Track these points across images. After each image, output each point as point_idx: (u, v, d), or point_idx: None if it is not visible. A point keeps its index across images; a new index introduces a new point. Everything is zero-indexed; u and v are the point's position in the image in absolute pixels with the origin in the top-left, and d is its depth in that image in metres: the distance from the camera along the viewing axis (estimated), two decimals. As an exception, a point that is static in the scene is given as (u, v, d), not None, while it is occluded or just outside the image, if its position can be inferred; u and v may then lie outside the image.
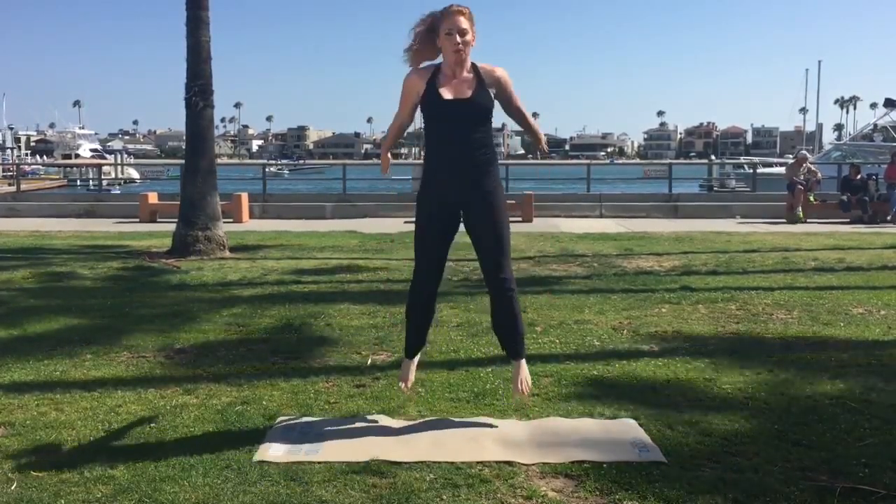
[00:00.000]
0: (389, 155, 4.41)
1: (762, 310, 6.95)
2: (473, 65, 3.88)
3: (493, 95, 3.88)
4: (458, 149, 3.82)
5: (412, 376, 4.24)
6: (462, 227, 4.02)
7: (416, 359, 4.26)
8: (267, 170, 22.97)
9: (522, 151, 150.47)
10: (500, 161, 4.18)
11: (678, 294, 7.71)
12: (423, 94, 3.85)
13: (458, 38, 3.76)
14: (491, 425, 3.97)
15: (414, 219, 4.10)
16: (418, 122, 4.15)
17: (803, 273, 9.20)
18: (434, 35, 3.85)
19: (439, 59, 3.91)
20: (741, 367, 5.12)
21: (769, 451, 3.66)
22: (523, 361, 4.11)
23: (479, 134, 3.85)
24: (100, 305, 7.22)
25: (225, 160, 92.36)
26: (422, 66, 3.93)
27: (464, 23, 3.78)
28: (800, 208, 17.06)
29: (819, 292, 7.80)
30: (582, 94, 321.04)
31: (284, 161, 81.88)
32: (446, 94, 3.81)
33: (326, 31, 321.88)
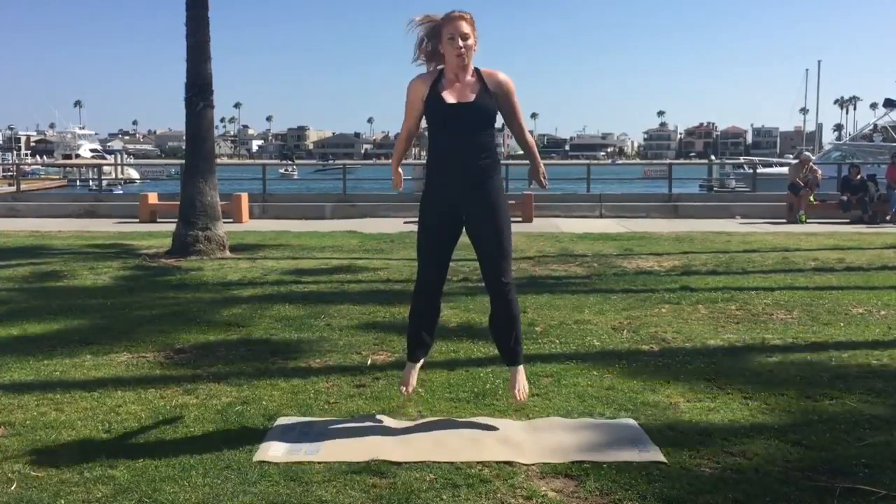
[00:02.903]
0: (400, 169, 4.38)
1: (762, 310, 6.95)
2: (476, 69, 3.89)
3: (496, 101, 3.88)
4: (461, 153, 3.83)
5: (414, 381, 4.21)
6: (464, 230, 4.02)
7: (419, 364, 4.23)
8: (282, 170, 22.93)
9: (522, 151, 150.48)
10: (500, 161, 4.13)
11: (678, 294, 7.71)
12: (426, 98, 3.86)
13: (461, 43, 3.77)
14: (491, 425, 3.97)
15: (415, 219, 4.09)
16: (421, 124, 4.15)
17: (803, 273, 9.21)
18: (436, 41, 3.87)
19: (442, 65, 3.91)
20: (741, 367, 5.12)
21: (769, 451, 3.66)
22: (521, 368, 4.11)
23: (481, 139, 3.85)
24: (100, 305, 7.22)
25: (225, 160, 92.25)
26: (425, 72, 3.95)
27: (465, 27, 3.80)
28: (802, 211, 17.05)
29: (819, 292, 7.80)
30: (582, 94, 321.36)
31: (314, 161, 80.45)
32: (449, 97, 3.82)
33: (326, 31, 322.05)
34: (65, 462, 3.53)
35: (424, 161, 4.18)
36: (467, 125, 3.83)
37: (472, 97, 3.82)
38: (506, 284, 3.95)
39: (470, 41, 3.80)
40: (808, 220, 16.99)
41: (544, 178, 4.13)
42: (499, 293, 3.96)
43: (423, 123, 4.03)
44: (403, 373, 4.24)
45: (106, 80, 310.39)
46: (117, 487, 3.26)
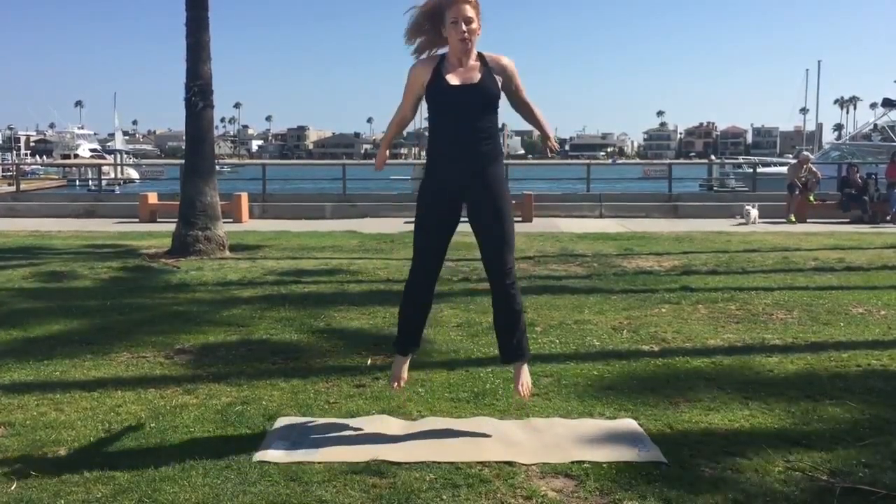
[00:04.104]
0: (388, 153, 4.33)
1: (762, 310, 6.95)
2: (479, 54, 3.85)
3: (500, 85, 3.85)
4: (463, 137, 3.78)
5: (405, 374, 4.14)
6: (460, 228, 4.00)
7: (409, 358, 4.16)
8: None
9: (522, 151, 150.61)
10: (502, 149, 4.10)
11: (678, 294, 7.71)
12: (428, 82, 3.80)
13: (464, 27, 3.72)
14: (491, 425, 3.97)
15: (413, 219, 4.05)
16: (418, 121, 4.14)
17: (803, 273, 9.21)
18: (439, 24, 3.81)
19: (444, 49, 3.86)
20: (741, 367, 5.12)
21: (769, 451, 3.66)
22: (525, 364, 4.04)
23: (485, 123, 3.80)
24: (100, 305, 7.22)
25: (225, 160, 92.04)
26: (426, 55, 3.89)
27: (469, 11, 3.74)
28: (792, 215, 17.04)
29: (819, 292, 7.80)
30: (582, 94, 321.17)
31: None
32: (453, 80, 3.77)
33: (326, 31, 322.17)
34: (65, 462, 3.53)
35: (425, 161, 4.15)
36: (471, 107, 3.77)
37: (477, 78, 3.78)
38: (508, 274, 3.87)
39: (474, 25, 3.75)
40: (808, 220, 16.99)
41: (556, 141, 4.11)
42: (501, 283, 3.88)
43: (420, 122, 4.01)
44: (393, 367, 4.17)
45: (106, 80, 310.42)
46: (117, 487, 3.26)
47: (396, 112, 4.02)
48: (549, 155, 4.21)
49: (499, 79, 3.84)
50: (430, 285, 4.01)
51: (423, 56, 3.91)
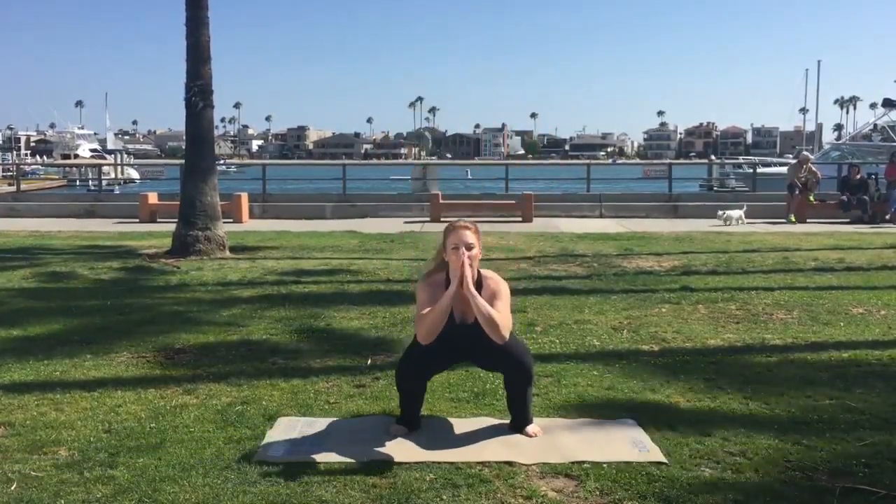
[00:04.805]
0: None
1: (762, 310, 6.95)
2: (479, 276, 3.92)
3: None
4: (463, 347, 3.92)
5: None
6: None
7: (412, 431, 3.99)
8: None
9: (522, 151, 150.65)
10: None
11: (678, 294, 7.71)
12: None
13: (465, 252, 3.81)
14: (491, 425, 3.97)
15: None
16: (419, 121, 4.14)
17: (803, 273, 9.21)
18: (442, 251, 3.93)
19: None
20: (741, 367, 5.12)
21: (769, 451, 3.66)
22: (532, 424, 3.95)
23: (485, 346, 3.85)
24: (100, 305, 7.22)
25: (232, 161, 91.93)
26: (429, 278, 3.96)
27: (469, 237, 3.85)
28: (792, 215, 17.04)
29: (819, 292, 7.80)
30: (582, 94, 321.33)
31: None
32: (455, 312, 3.84)
33: (326, 30, 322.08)
34: (65, 462, 3.53)
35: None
36: (471, 340, 3.84)
37: (473, 319, 3.81)
38: (528, 392, 3.95)
39: (474, 251, 3.86)
40: (808, 220, 16.98)
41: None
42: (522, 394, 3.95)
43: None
44: (392, 430, 3.93)
45: (106, 80, 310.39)
46: (117, 487, 3.26)
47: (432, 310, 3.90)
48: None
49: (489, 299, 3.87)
50: (424, 380, 4.03)
51: (428, 279, 3.98)
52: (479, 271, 3.93)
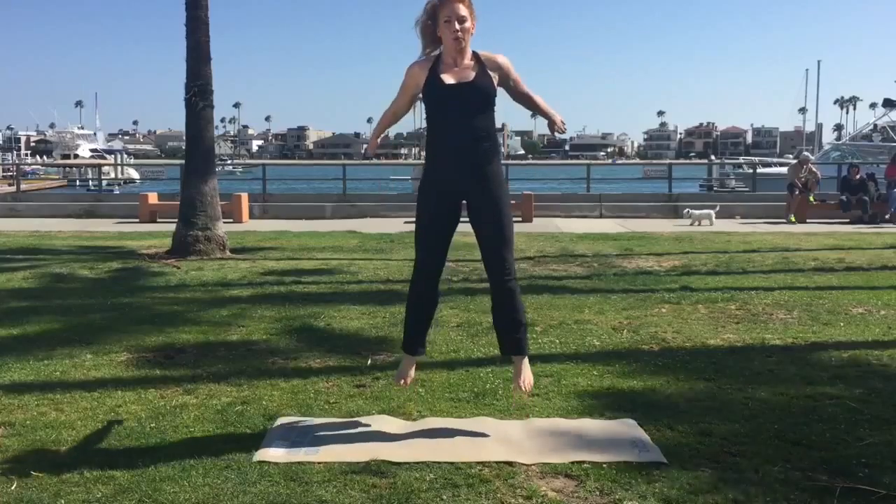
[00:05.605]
0: (378, 140, 4.41)
1: (762, 310, 6.95)
2: (474, 53, 3.85)
3: (496, 83, 3.85)
4: (461, 136, 3.77)
5: (412, 374, 4.14)
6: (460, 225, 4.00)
7: (417, 358, 4.16)
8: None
9: (522, 151, 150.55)
10: (500, 148, 4.11)
11: (678, 294, 7.71)
12: (424, 83, 3.81)
13: (457, 26, 3.72)
14: (491, 425, 3.97)
15: (413, 220, 4.06)
16: (418, 121, 4.15)
17: (803, 273, 9.20)
18: (435, 24, 3.80)
19: (439, 50, 3.86)
20: (741, 367, 5.12)
21: (769, 451, 3.66)
22: (525, 359, 4.03)
23: (481, 122, 3.80)
24: (100, 305, 7.22)
25: (237, 161, 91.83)
26: (423, 57, 3.89)
27: (462, 10, 3.74)
28: (792, 215, 17.04)
29: (819, 292, 7.80)
30: (582, 94, 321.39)
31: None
32: (448, 79, 3.77)
33: (326, 31, 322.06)
34: (65, 462, 3.53)
35: (424, 161, 4.16)
36: (467, 105, 3.77)
37: (472, 76, 3.78)
38: (508, 272, 3.88)
39: (467, 24, 3.75)
40: (808, 220, 16.99)
41: (562, 123, 4.08)
42: (500, 281, 3.88)
43: (419, 122, 4.02)
44: (401, 366, 4.15)
45: (106, 80, 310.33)
46: (117, 487, 3.26)
47: (391, 105, 4.03)
48: (557, 138, 4.23)
49: (494, 76, 3.84)
50: (434, 284, 4.02)
51: (422, 56, 3.91)
52: (473, 51, 3.83)
